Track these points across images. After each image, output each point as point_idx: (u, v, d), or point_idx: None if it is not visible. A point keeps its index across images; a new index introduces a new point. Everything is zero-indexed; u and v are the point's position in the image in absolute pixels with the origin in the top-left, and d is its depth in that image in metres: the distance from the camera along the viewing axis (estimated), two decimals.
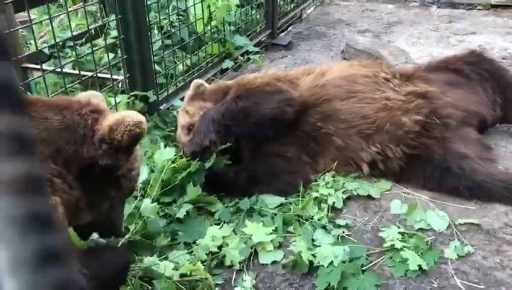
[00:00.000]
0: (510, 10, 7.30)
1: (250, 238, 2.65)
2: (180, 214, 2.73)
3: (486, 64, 3.67)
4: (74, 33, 3.72)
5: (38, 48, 3.36)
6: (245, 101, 3.17)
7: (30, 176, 0.56)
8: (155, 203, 2.75)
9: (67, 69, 4.05)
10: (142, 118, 1.97)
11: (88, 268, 1.95)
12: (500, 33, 6.28)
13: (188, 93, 3.60)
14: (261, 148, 3.23)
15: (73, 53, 3.61)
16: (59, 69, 3.27)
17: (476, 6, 7.63)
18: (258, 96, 3.21)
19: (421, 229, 2.74)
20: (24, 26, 3.87)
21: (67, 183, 1.86)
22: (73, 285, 0.58)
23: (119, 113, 2.00)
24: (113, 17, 3.71)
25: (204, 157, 3.08)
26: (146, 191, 2.84)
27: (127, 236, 2.48)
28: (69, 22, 3.48)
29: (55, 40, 3.22)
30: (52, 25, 3.28)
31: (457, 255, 2.54)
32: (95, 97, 2.18)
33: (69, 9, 4.17)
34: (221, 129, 3.12)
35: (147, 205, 2.66)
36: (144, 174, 2.87)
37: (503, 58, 5.31)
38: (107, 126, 1.93)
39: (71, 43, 4.14)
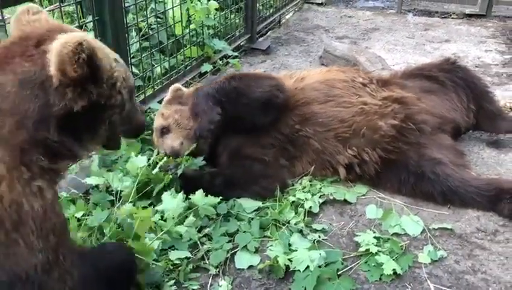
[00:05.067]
0: (483, 20, 7.49)
1: (226, 242, 2.65)
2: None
3: (461, 72, 3.75)
4: None
5: None
6: (238, 82, 3.21)
7: None
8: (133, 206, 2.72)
9: None
10: (78, 36, 1.58)
11: (94, 269, 1.87)
12: (473, 42, 6.43)
13: (166, 97, 3.59)
14: (239, 151, 3.23)
15: None
16: None
17: (451, 15, 7.81)
18: (251, 80, 3.28)
19: (395, 234, 2.78)
20: None
21: (52, 144, 1.66)
22: None
23: (56, 43, 1.58)
24: (90, 18, 3.65)
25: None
26: (121, 197, 2.83)
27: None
28: None
29: None
30: None
31: (431, 259, 2.58)
32: (28, 14, 1.81)
33: (45, 10, 4.10)
34: (218, 103, 3.14)
35: (126, 209, 2.62)
36: (116, 181, 2.88)
37: (476, 66, 5.44)
38: (55, 71, 1.59)
39: None
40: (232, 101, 3.15)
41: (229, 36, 5.78)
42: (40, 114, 1.61)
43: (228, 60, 5.45)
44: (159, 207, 2.75)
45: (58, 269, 1.68)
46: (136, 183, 2.87)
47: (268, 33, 6.93)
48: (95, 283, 1.86)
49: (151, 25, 4.90)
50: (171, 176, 2.94)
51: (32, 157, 1.61)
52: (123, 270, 2.08)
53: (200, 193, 2.83)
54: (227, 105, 3.15)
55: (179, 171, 2.98)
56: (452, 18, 7.71)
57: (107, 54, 1.77)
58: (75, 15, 4.00)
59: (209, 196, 2.84)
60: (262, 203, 2.99)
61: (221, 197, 2.88)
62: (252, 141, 3.24)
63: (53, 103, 1.63)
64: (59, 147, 1.69)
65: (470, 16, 7.67)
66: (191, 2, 4.98)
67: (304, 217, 2.86)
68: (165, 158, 3.11)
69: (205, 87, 3.28)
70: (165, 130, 3.34)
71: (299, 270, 2.44)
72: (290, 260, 2.50)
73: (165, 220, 2.69)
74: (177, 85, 3.68)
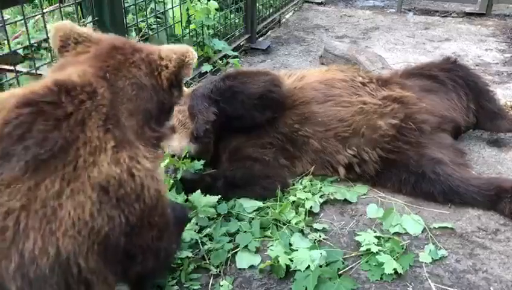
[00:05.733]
0: (483, 18, 7.49)
1: (227, 242, 2.65)
2: None
3: (461, 71, 3.74)
4: (50, 34, 3.64)
5: (12, 49, 3.29)
6: (233, 80, 3.21)
7: None
8: None
9: (43, 71, 3.97)
10: (190, 47, 1.98)
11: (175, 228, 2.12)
12: (473, 40, 6.43)
13: None
14: (239, 151, 3.22)
15: (49, 55, 3.54)
16: (34, 71, 3.21)
17: (451, 14, 7.81)
18: (246, 77, 3.26)
19: (396, 233, 2.78)
20: None
21: (161, 135, 1.95)
22: None
23: (177, 53, 1.95)
24: (90, 18, 3.65)
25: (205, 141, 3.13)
26: None
27: None
28: (45, 23, 3.42)
29: (29, 41, 3.15)
30: (26, 26, 3.22)
31: (432, 258, 2.58)
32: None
33: (45, 10, 4.10)
34: (213, 103, 3.13)
35: None
36: None
37: (477, 65, 5.44)
38: (171, 74, 1.93)
39: (47, 45, 4.07)
40: (227, 100, 3.14)
41: (229, 36, 5.77)
42: (156, 111, 1.91)
43: (228, 60, 5.45)
44: None
45: (167, 233, 1.95)
46: None
47: (268, 33, 6.93)
48: (178, 238, 2.29)
49: (151, 25, 4.90)
50: (171, 181, 2.94)
51: (157, 149, 1.88)
52: (183, 226, 2.43)
53: (198, 193, 2.83)
54: (223, 104, 3.14)
55: (178, 176, 2.97)
56: (452, 17, 7.71)
57: None
58: (75, 15, 4.00)
59: (208, 195, 2.84)
60: (263, 203, 2.99)
61: (221, 197, 2.88)
62: (251, 141, 3.24)
63: (164, 101, 1.95)
64: (163, 137, 1.99)
65: (470, 14, 7.67)
66: (191, 2, 4.98)
67: (305, 216, 2.86)
68: (168, 160, 3.09)
69: (201, 87, 3.27)
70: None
71: (299, 270, 2.44)
72: (290, 259, 2.51)
73: None
74: None
